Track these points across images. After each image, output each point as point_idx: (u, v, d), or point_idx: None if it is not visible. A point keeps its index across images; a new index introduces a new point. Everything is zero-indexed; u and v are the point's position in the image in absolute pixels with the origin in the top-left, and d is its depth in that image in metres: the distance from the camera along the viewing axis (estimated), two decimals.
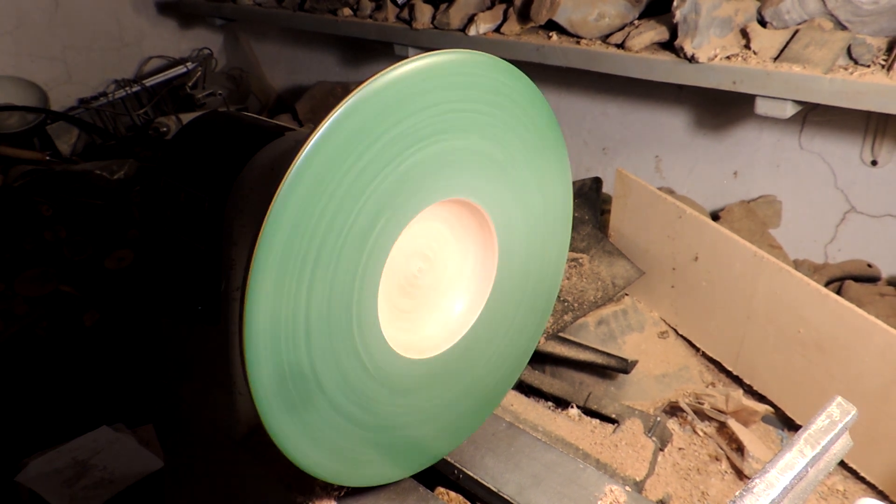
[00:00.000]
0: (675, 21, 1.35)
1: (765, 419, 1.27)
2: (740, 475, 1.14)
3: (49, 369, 1.56)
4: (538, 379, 1.29)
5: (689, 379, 1.36)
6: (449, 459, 0.83)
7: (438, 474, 0.85)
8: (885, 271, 1.58)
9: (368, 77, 0.53)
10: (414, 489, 0.80)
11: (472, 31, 1.73)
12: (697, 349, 1.42)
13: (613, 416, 1.16)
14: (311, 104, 2.58)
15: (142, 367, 1.52)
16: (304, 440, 0.62)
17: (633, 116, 1.93)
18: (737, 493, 0.56)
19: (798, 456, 0.59)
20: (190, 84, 2.69)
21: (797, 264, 1.67)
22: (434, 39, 1.85)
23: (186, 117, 2.45)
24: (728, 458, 1.17)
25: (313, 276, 0.57)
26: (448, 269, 0.75)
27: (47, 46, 2.61)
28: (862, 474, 1.15)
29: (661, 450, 1.15)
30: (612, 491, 0.79)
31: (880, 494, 1.13)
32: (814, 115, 1.58)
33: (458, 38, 1.78)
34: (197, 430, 1.01)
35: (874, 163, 1.53)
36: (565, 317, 1.35)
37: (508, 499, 0.79)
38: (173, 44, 2.94)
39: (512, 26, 1.68)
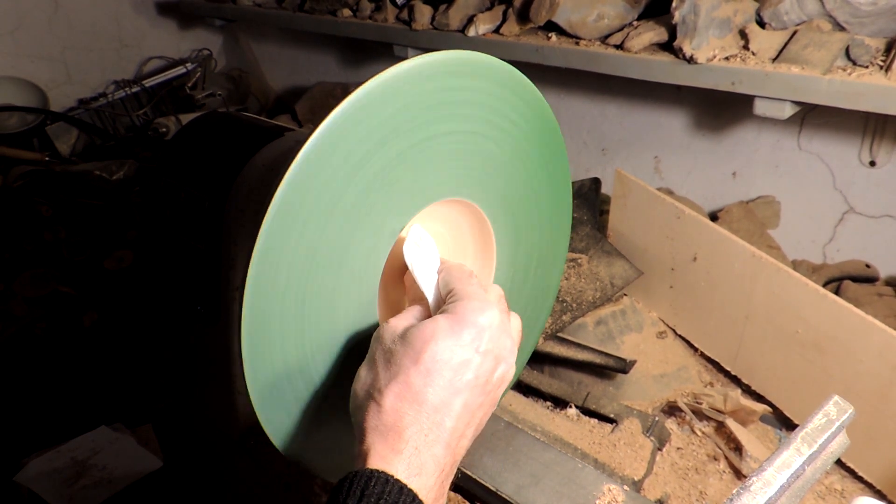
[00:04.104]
0: (673, 22, 1.35)
1: (763, 419, 1.27)
2: (738, 475, 1.15)
3: (48, 369, 1.56)
4: (537, 379, 1.29)
5: (688, 379, 1.36)
6: None
7: None
8: (883, 271, 1.58)
9: (368, 78, 0.54)
10: None
11: (471, 32, 1.73)
12: (696, 349, 1.42)
13: (612, 415, 1.16)
14: (311, 105, 2.58)
15: (141, 367, 1.52)
16: (302, 439, 0.63)
17: (632, 117, 1.93)
18: (734, 491, 0.56)
19: (795, 454, 0.59)
20: (189, 85, 2.69)
21: (796, 264, 1.68)
22: (433, 40, 1.85)
23: (186, 118, 2.45)
24: (726, 457, 1.17)
25: (313, 275, 0.57)
26: None
27: (47, 47, 2.61)
28: (860, 473, 1.16)
29: (660, 449, 1.15)
30: (610, 490, 0.79)
31: (878, 494, 1.13)
32: (812, 116, 1.59)
33: (457, 38, 1.78)
34: (196, 429, 1.01)
35: (872, 163, 1.53)
36: (564, 317, 1.35)
37: (507, 498, 0.79)
38: (173, 44, 2.94)
39: (511, 27, 1.68)
